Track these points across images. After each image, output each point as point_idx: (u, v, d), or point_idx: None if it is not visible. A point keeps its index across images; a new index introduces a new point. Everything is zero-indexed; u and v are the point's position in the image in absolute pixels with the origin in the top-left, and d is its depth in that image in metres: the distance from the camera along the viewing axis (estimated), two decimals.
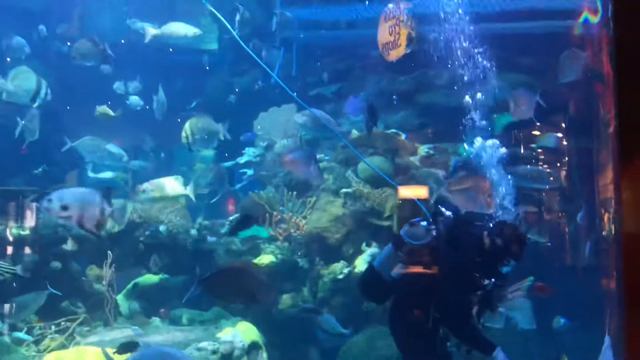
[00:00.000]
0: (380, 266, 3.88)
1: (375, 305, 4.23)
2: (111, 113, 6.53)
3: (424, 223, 3.81)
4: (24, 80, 5.68)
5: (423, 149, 6.64)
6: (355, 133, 7.01)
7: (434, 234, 3.74)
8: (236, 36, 5.36)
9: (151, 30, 6.66)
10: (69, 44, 7.22)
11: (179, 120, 8.66)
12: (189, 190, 6.23)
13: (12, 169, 7.51)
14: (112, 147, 6.55)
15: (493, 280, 3.68)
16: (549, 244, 5.69)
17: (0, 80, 5.62)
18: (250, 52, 5.01)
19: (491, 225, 3.76)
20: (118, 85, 7.24)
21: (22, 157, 7.79)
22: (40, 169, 7.51)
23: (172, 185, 6.09)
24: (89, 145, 6.45)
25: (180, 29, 6.77)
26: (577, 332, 5.73)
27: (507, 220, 3.80)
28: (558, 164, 6.90)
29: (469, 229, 3.78)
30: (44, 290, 5.28)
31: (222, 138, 5.71)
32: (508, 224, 3.72)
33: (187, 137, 5.53)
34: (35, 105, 5.80)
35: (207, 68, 8.33)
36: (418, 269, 3.78)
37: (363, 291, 4.15)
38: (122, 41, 7.29)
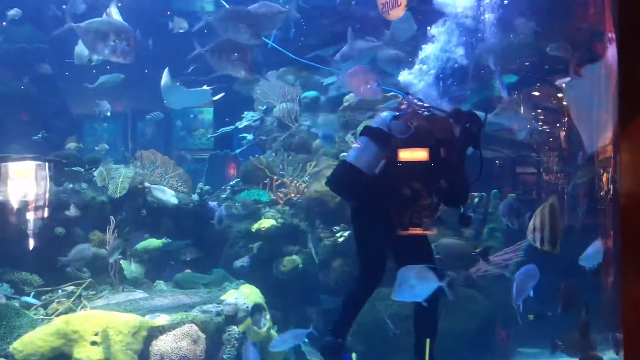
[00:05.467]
0: (358, 160, 3.70)
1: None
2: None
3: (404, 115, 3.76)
4: None
5: None
6: (353, 97, 6.97)
7: (417, 126, 3.68)
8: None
9: None
10: (64, 7, 7.10)
11: (177, 84, 8.63)
12: None
13: (12, 135, 7.51)
14: None
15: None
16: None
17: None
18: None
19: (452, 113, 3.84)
20: None
21: (21, 122, 7.78)
22: (39, 135, 7.51)
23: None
24: None
25: None
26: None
27: (462, 109, 3.89)
28: (557, 124, 6.89)
29: (440, 120, 3.79)
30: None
31: None
32: (465, 111, 3.85)
33: None
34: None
35: (205, 31, 8.22)
36: (405, 162, 3.68)
37: (337, 187, 3.95)
38: (119, 4, 7.18)
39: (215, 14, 5.09)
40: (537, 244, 3.54)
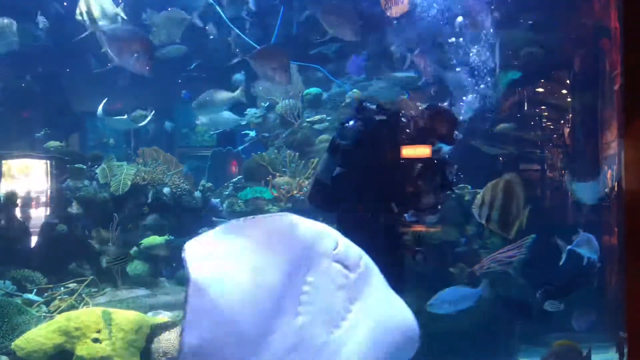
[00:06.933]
0: (321, 174, 3.74)
1: None
2: None
3: (351, 122, 3.65)
4: None
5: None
6: (356, 92, 6.96)
7: (362, 130, 3.58)
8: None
9: None
10: (65, 4, 7.09)
11: (179, 81, 8.63)
12: None
13: (15, 132, 7.52)
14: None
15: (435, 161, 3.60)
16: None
17: None
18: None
19: (417, 111, 3.70)
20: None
21: (24, 120, 7.78)
22: (42, 132, 7.51)
23: None
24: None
25: None
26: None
27: (432, 105, 3.75)
28: (562, 121, 6.86)
29: (395, 118, 3.66)
30: None
31: None
32: (433, 107, 3.69)
33: None
34: None
35: (207, 28, 8.21)
36: (357, 168, 3.60)
37: (311, 202, 3.98)
38: (120, 1, 7.18)
39: (321, 7, 5.02)
40: (482, 221, 3.28)
